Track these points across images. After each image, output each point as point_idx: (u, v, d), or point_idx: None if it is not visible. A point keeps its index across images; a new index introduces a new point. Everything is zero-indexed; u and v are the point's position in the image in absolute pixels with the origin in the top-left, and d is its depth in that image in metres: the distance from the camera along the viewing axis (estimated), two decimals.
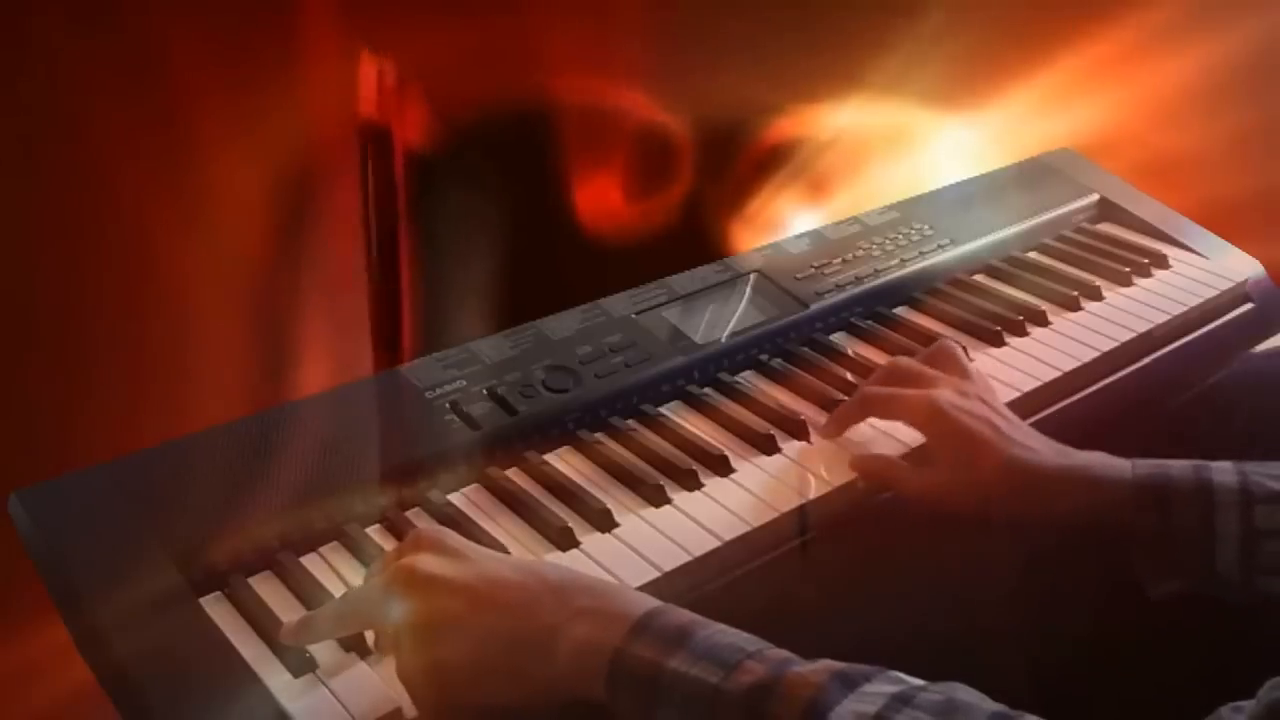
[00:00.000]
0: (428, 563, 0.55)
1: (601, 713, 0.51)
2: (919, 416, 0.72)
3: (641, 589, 0.61)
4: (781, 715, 0.46)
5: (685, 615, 0.52)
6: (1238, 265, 1.00)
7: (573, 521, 0.68)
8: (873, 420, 0.78)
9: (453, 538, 0.57)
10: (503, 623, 0.53)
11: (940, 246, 0.97)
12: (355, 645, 0.59)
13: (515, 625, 0.53)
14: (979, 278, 0.99)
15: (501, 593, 0.54)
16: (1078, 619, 0.76)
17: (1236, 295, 0.98)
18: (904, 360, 0.78)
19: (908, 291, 0.95)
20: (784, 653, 0.49)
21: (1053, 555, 0.74)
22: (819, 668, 0.48)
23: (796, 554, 0.70)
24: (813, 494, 0.72)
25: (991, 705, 0.46)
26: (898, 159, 1.15)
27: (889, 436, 0.77)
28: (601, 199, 1.00)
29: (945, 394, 0.72)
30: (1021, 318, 0.90)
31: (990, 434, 0.70)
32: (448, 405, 0.74)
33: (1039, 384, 0.83)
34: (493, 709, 0.54)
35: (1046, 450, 0.70)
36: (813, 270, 0.92)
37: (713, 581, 0.66)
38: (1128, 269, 0.98)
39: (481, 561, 0.56)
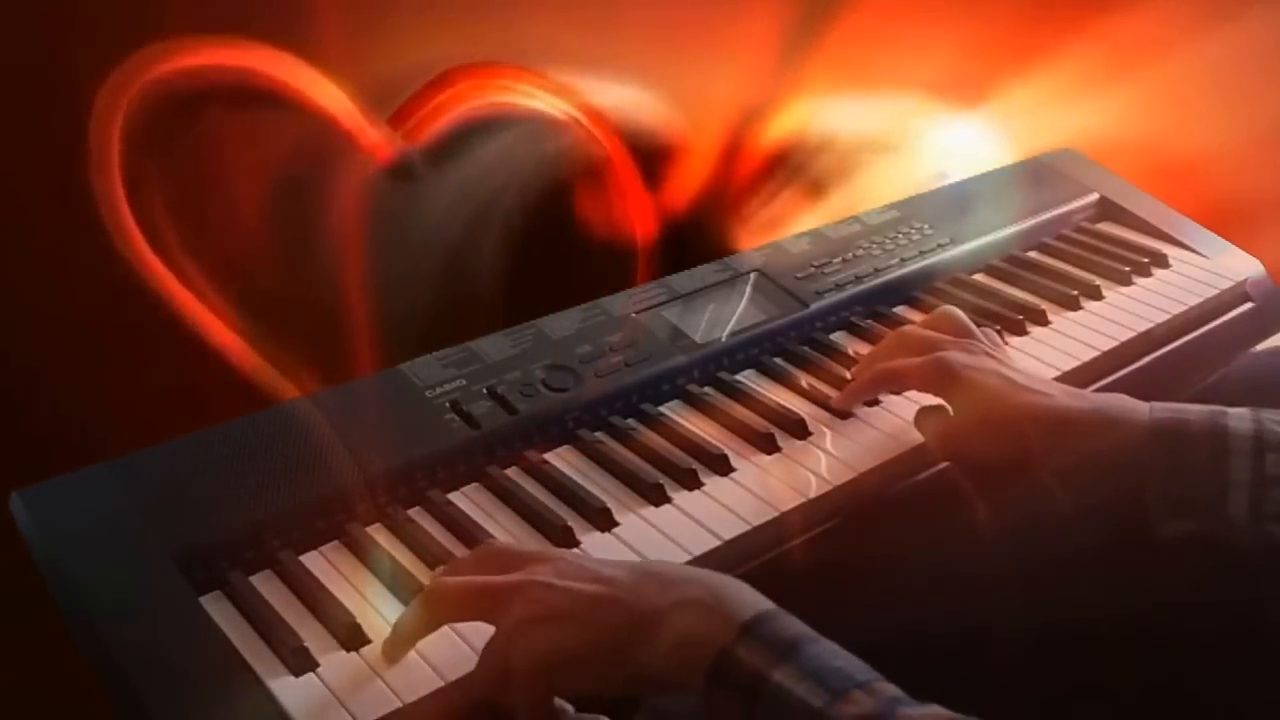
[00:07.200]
0: (544, 572, 0.55)
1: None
2: (931, 380, 0.74)
3: None
4: None
5: (797, 626, 0.51)
6: (1238, 265, 1.00)
7: (573, 521, 0.68)
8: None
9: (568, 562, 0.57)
10: (612, 613, 0.53)
11: (940, 246, 0.97)
12: (355, 644, 0.60)
13: (621, 611, 0.52)
14: (979, 277, 0.99)
15: (609, 588, 0.53)
16: (1078, 620, 0.76)
17: (1236, 295, 0.98)
18: (908, 329, 0.79)
19: (907, 291, 0.95)
20: (893, 689, 0.48)
21: (1054, 553, 0.74)
22: (928, 713, 0.46)
23: (796, 554, 0.70)
24: (813, 494, 0.72)
25: None
26: (898, 158, 1.15)
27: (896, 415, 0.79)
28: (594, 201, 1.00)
29: (953, 354, 0.74)
30: (1021, 317, 0.90)
31: (1002, 385, 0.71)
32: (448, 404, 0.74)
33: None
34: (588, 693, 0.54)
35: (1060, 394, 0.71)
36: (813, 269, 0.92)
37: None
38: (1128, 268, 0.98)
39: (590, 565, 0.56)
